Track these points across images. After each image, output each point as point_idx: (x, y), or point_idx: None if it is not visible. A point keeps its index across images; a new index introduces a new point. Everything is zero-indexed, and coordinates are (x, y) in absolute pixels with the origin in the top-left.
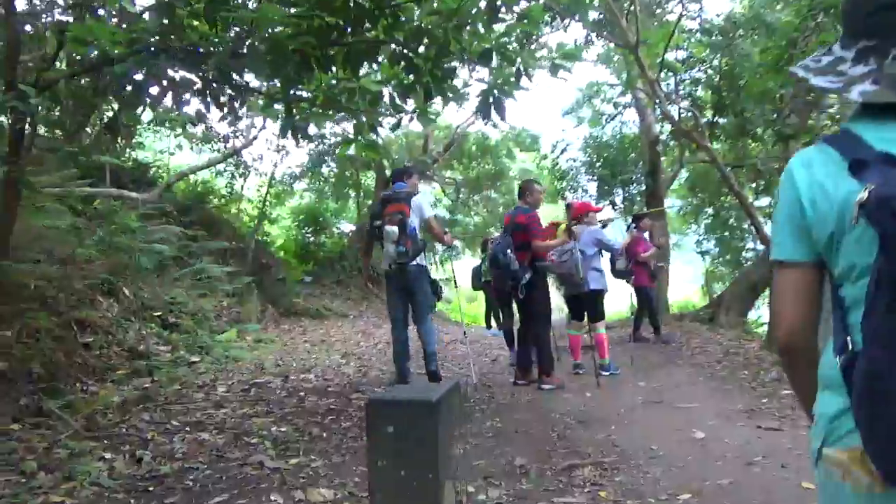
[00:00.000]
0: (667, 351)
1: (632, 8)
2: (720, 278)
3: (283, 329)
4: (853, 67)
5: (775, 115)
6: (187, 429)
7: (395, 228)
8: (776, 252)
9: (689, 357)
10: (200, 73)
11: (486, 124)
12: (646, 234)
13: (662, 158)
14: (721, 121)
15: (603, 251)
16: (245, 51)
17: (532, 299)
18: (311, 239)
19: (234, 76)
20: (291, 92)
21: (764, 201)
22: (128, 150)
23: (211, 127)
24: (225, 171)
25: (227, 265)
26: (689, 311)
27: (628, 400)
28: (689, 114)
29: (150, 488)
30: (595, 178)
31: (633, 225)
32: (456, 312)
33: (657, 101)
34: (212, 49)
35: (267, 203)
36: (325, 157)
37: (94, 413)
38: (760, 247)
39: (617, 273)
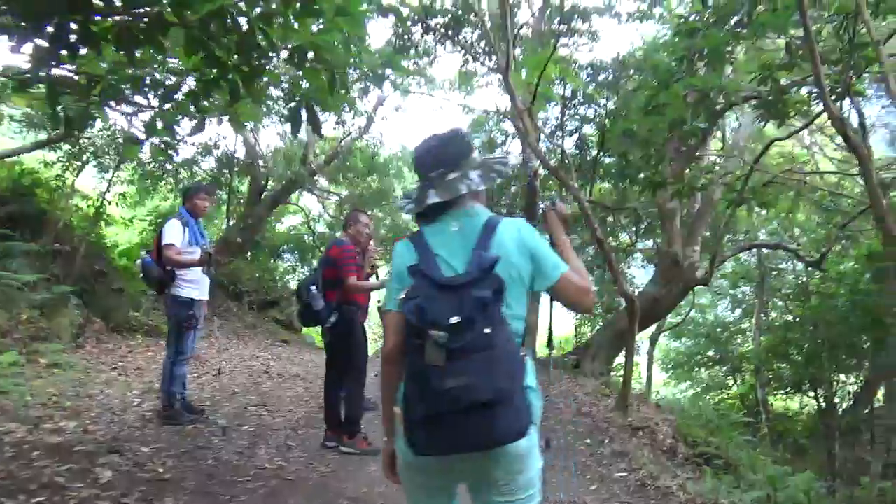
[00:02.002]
0: None
1: (516, 31)
2: (592, 320)
3: (104, 349)
4: (418, 194)
5: (652, 161)
6: None
7: (139, 261)
8: (386, 304)
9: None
10: None
11: (294, 137)
12: None
13: (545, 193)
14: (606, 160)
15: None
16: None
17: (338, 346)
18: None
19: None
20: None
21: (641, 244)
22: None
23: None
24: (58, 161)
25: (46, 271)
26: (555, 357)
27: None
28: (575, 149)
29: None
30: None
31: None
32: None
33: (524, 132)
34: None
35: (107, 201)
36: (199, 157)
37: None
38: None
39: None
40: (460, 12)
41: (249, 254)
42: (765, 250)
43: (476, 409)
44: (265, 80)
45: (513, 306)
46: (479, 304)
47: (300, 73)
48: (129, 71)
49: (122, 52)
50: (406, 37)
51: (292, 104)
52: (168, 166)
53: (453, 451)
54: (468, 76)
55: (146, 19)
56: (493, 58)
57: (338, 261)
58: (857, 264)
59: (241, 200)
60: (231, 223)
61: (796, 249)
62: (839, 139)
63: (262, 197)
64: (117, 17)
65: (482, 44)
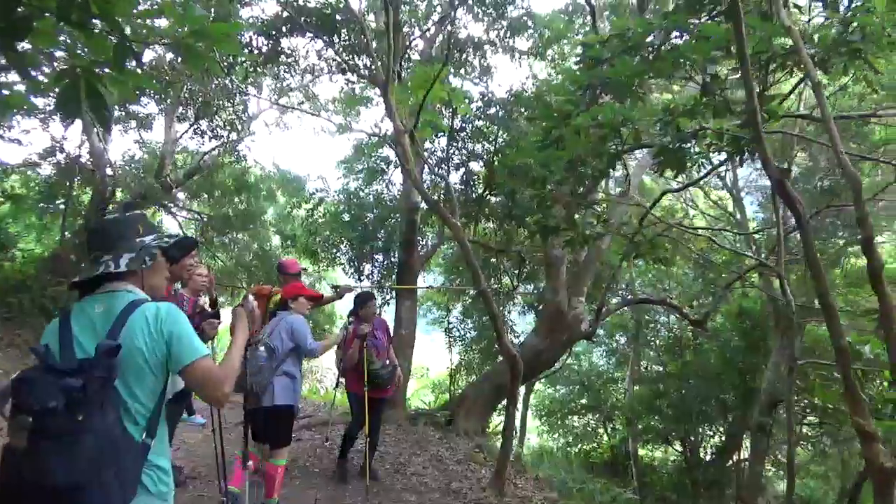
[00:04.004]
0: (369, 488)
1: (405, 46)
2: (470, 368)
3: None
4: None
5: (544, 204)
6: None
7: None
8: None
9: (398, 495)
10: None
11: (65, 125)
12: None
13: (426, 228)
14: (493, 199)
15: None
16: None
17: None
18: None
19: None
20: None
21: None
22: None
23: None
24: None
25: None
26: (427, 410)
27: None
28: (460, 185)
29: None
30: (347, 241)
31: (352, 314)
32: None
33: (402, 159)
34: None
35: None
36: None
37: None
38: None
39: (342, 373)
40: (337, 17)
41: None
42: None
43: (56, 493)
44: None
45: (136, 392)
46: (72, 391)
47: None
48: None
49: None
50: (273, 35)
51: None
52: None
53: None
54: (353, 97)
55: None
56: (374, 69)
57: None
58: (727, 322)
59: (83, 212)
60: (67, 237)
61: (680, 307)
62: (715, 194)
63: (107, 210)
64: None
65: (363, 57)
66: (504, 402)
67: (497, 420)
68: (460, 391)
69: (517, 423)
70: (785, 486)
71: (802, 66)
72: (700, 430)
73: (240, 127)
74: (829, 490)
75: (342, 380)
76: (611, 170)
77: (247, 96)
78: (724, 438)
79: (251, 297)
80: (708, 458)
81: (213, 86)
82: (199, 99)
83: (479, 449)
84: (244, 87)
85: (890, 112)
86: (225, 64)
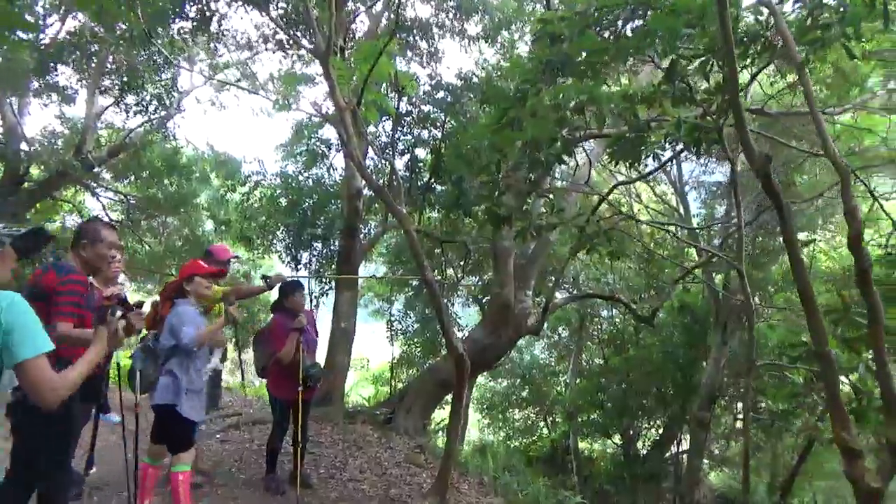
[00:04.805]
0: (300, 497)
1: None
2: (412, 361)
3: None
4: None
5: (494, 191)
6: None
7: None
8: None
9: None
10: None
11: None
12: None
13: (369, 217)
14: (438, 187)
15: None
16: None
17: (29, 431)
18: None
19: None
20: None
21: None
22: None
23: None
24: None
25: None
26: (366, 407)
27: None
28: (406, 171)
29: None
30: (284, 227)
31: (276, 305)
32: None
33: (344, 138)
34: None
35: None
36: None
37: None
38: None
39: (261, 373)
40: None
41: None
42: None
43: None
44: None
45: None
46: None
47: None
48: None
49: None
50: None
51: None
52: None
53: None
54: (293, 76)
55: None
56: (314, 42)
57: (53, 294)
58: (668, 317)
59: None
60: None
61: (628, 303)
62: (659, 189)
63: (21, 187)
64: None
65: (304, 29)
66: (447, 397)
67: (439, 416)
68: (401, 385)
69: None
70: (717, 479)
71: (774, 49)
72: (638, 423)
73: (168, 102)
74: (759, 482)
75: (262, 380)
76: (565, 156)
77: (177, 66)
78: (661, 432)
79: (118, 312)
80: (645, 451)
81: (141, 57)
82: (124, 69)
83: (419, 449)
84: (174, 59)
85: (838, 110)
86: (146, 28)
